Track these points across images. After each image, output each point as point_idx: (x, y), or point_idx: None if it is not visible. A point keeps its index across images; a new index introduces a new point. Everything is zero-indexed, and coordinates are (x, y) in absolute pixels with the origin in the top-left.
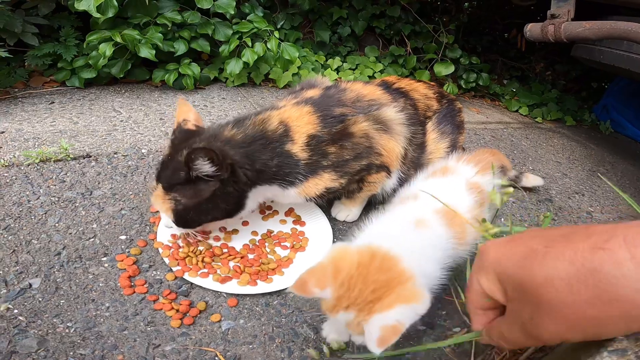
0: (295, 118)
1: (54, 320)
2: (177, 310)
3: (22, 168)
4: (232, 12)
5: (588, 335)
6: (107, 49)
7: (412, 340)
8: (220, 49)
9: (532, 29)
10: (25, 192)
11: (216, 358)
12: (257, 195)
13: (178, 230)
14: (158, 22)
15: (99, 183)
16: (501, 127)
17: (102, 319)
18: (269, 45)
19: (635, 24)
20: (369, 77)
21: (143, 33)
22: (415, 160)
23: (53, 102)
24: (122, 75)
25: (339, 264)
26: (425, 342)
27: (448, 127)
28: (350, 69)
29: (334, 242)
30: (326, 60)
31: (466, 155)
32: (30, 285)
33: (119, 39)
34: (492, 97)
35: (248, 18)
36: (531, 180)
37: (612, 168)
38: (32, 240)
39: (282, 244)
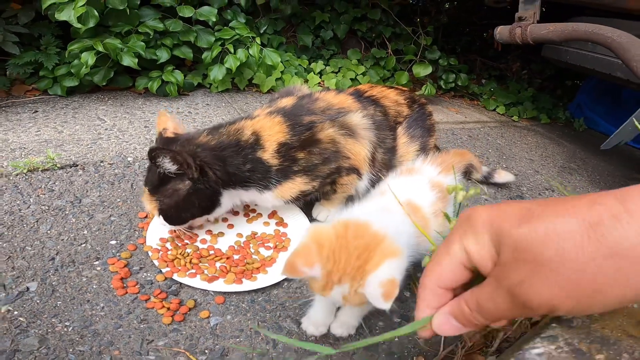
0: (267, 128)
1: (53, 320)
2: (168, 309)
3: (11, 178)
4: (214, 20)
5: (582, 302)
6: (89, 58)
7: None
8: (203, 56)
9: (501, 32)
10: (15, 201)
11: (207, 351)
12: (233, 197)
13: (168, 230)
14: (140, 30)
15: (87, 191)
16: (478, 127)
17: (97, 318)
18: (251, 52)
19: (595, 26)
20: (352, 79)
21: (125, 41)
22: (386, 163)
23: (36, 111)
24: (104, 84)
25: (320, 240)
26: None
27: (418, 130)
28: (333, 72)
29: None
30: (309, 64)
31: (431, 158)
32: (28, 288)
33: (100, 48)
34: (471, 97)
35: (230, 25)
36: (503, 176)
37: (583, 164)
38: (26, 247)
39: (265, 244)
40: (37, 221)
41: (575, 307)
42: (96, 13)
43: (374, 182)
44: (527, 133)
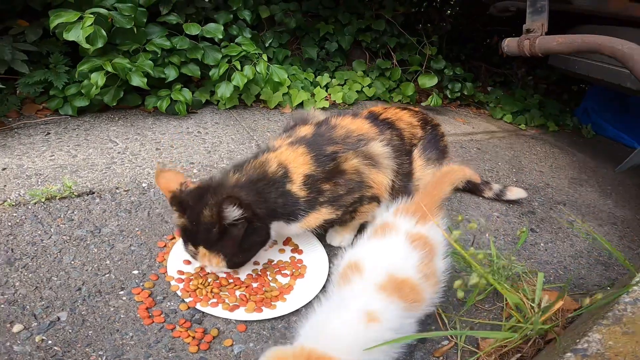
0: (292, 160)
1: (87, 349)
2: (194, 337)
3: (30, 207)
4: (221, 37)
5: None
6: (99, 79)
7: (405, 354)
8: (211, 73)
9: (509, 44)
10: (37, 231)
11: None
12: (274, 227)
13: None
14: (147, 49)
15: (105, 220)
16: (487, 138)
17: (128, 347)
18: (258, 69)
19: (605, 37)
20: (357, 91)
21: (133, 60)
22: (402, 189)
23: (49, 133)
24: (114, 104)
25: None
26: (416, 355)
27: (433, 153)
28: (339, 84)
29: (330, 267)
30: (315, 77)
31: (405, 204)
32: (59, 318)
33: (109, 68)
34: (477, 106)
35: (236, 41)
36: (515, 193)
37: (593, 174)
38: (52, 277)
39: (282, 272)
40: (59, 251)
41: None
42: (104, 33)
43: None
44: (535, 142)
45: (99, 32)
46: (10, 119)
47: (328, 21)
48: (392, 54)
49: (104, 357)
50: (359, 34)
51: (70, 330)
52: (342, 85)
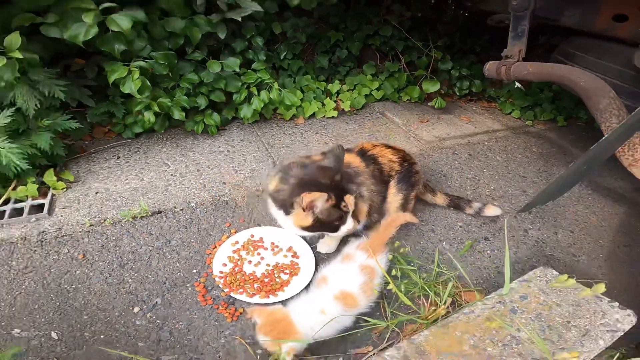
0: None
1: (173, 321)
2: (229, 313)
3: (123, 224)
4: (238, 70)
5: None
6: (150, 116)
7: (351, 329)
8: (234, 98)
9: (489, 69)
10: (132, 243)
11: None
12: None
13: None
14: (181, 85)
15: (172, 234)
16: (485, 139)
17: (194, 319)
18: (271, 95)
19: (569, 69)
20: (366, 95)
21: (172, 95)
22: (378, 210)
23: (119, 157)
24: (162, 131)
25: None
26: (359, 331)
27: (404, 185)
28: (349, 90)
29: (315, 267)
30: (327, 84)
31: (362, 243)
32: (157, 302)
33: (156, 108)
34: (489, 100)
35: (252, 67)
36: (491, 210)
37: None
38: (148, 276)
39: (284, 271)
40: (149, 257)
41: None
42: (149, 84)
43: (365, 227)
44: (535, 142)
45: (145, 84)
46: (86, 142)
47: (338, 28)
48: (400, 57)
49: (183, 325)
50: (368, 38)
51: (163, 310)
52: (352, 90)
